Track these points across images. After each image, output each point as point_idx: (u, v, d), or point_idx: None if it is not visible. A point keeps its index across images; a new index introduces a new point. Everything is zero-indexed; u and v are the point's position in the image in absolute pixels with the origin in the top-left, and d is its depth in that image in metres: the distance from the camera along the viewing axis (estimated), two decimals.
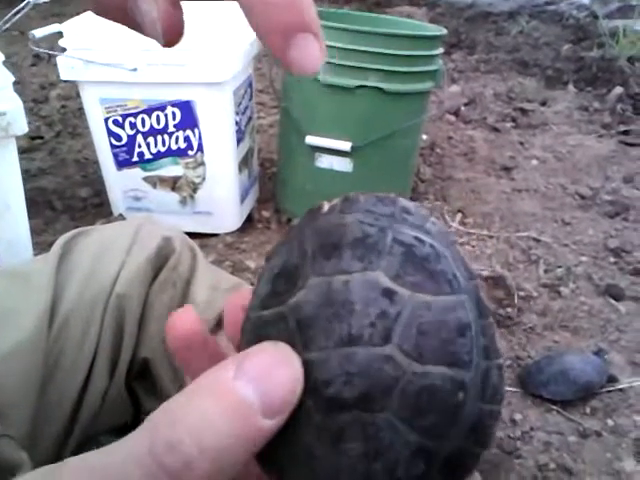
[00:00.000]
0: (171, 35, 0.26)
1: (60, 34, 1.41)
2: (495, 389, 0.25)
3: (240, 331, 0.27)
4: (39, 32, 1.34)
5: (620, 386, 1.19)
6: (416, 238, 0.25)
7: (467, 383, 0.23)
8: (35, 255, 1.34)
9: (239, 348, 0.27)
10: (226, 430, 0.20)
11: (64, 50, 1.41)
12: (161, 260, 0.69)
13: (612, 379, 1.19)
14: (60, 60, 1.41)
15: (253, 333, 0.26)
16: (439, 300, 0.24)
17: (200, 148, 1.50)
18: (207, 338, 0.29)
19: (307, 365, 0.23)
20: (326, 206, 0.28)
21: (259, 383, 0.21)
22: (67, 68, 1.42)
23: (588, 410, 1.15)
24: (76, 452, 0.58)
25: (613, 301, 1.41)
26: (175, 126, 1.47)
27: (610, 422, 1.12)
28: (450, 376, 0.23)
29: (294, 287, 0.25)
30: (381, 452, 0.23)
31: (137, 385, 0.69)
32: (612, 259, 1.57)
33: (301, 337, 0.24)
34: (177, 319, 0.28)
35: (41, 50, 1.40)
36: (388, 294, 0.24)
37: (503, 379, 0.25)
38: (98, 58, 1.38)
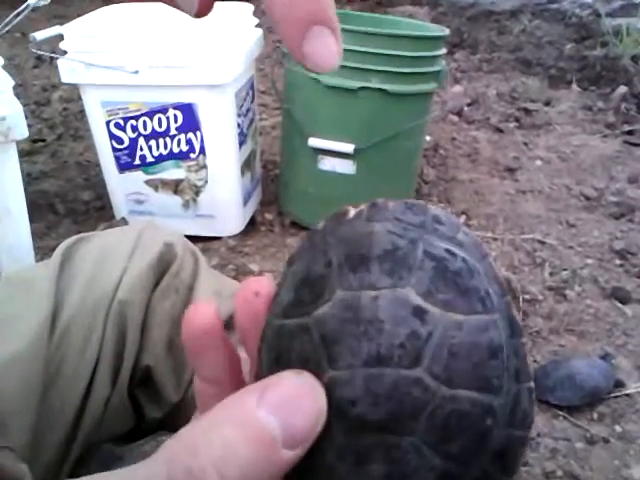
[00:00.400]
0: (204, 5, 0.26)
1: (61, 36, 1.40)
2: (525, 414, 0.24)
3: (260, 337, 0.27)
4: (40, 35, 1.33)
5: (627, 391, 1.18)
6: (448, 251, 0.25)
7: (496, 408, 0.23)
8: (37, 259, 1.33)
9: (259, 352, 0.26)
10: (248, 460, 0.20)
11: (65, 53, 1.41)
12: (163, 266, 0.69)
13: (619, 384, 1.18)
14: (61, 63, 1.41)
15: (275, 342, 0.25)
16: (471, 320, 0.23)
17: (202, 151, 1.49)
18: (225, 335, 0.28)
19: (331, 382, 0.23)
20: (352, 212, 0.27)
21: (282, 414, 0.21)
22: (68, 71, 1.41)
23: (595, 416, 1.14)
24: (78, 461, 0.57)
25: (619, 304, 1.40)
26: (177, 129, 1.46)
27: (618, 428, 1.11)
28: (480, 401, 0.23)
29: (318, 298, 0.24)
30: (405, 476, 0.23)
31: (139, 392, 0.68)
32: (618, 261, 1.55)
33: (326, 353, 0.23)
34: (193, 314, 0.27)
35: (42, 53, 1.40)
36: (419, 313, 0.23)
37: (533, 403, 0.24)
38: (99, 61, 1.38)
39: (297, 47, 0.23)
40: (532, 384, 0.25)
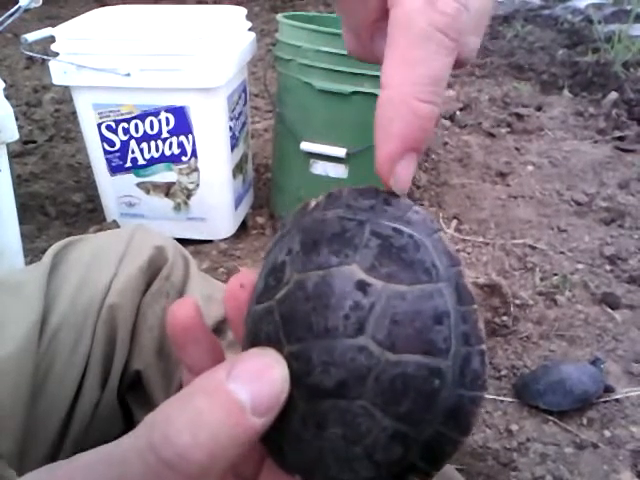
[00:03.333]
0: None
1: (53, 38, 1.39)
2: (476, 375, 0.25)
3: (243, 324, 0.29)
4: (31, 36, 1.32)
5: (616, 396, 1.18)
6: (394, 229, 0.26)
7: (443, 370, 0.24)
8: (27, 262, 1.33)
9: (243, 338, 0.29)
10: (220, 427, 0.22)
11: (57, 54, 1.40)
12: (153, 270, 0.68)
13: (608, 389, 1.18)
14: (52, 64, 1.40)
15: (250, 326, 0.28)
16: (415, 289, 0.25)
17: (194, 154, 1.49)
18: (206, 328, 0.30)
19: (289, 356, 0.25)
20: (312, 203, 0.29)
21: (250, 384, 0.23)
22: (59, 73, 1.40)
23: (585, 421, 1.15)
24: None
25: (609, 309, 1.41)
26: (169, 132, 1.46)
27: (607, 433, 1.12)
28: (425, 364, 0.24)
29: (280, 283, 0.27)
30: (360, 437, 0.24)
31: (129, 397, 0.68)
32: (608, 267, 1.56)
33: (284, 330, 0.26)
34: (177, 308, 0.29)
35: (33, 54, 1.39)
36: (362, 286, 0.24)
37: (485, 365, 0.25)
38: (91, 63, 1.37)
39: (391, 163, 0.26)
40: (484, 347, 0.25)
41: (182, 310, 0.29)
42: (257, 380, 0.23)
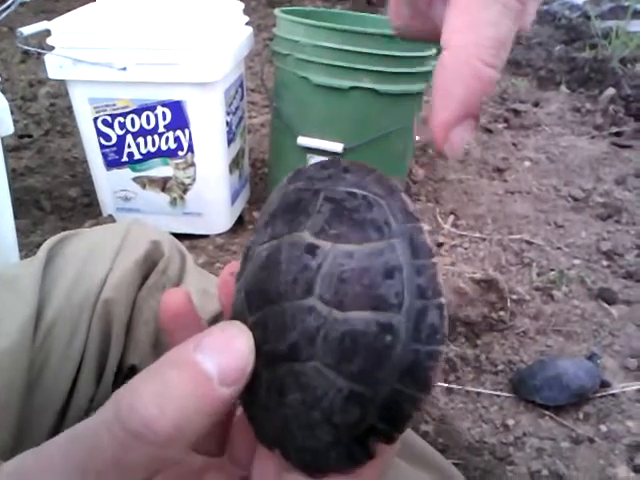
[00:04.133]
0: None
1: (49, 32, 1.39)
2: (433, 329, 0.24)
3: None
4: (26, 30, 1.32)
5: (613, 391, 1.19)
6: (349, 193, 0.26)
7: (395, 325, 0.23)
8: (22, 256, 1.32)
9: None
10: (186, 397, 0.22)
11: (52, 48, 1.39)
12: (149, 264, 0.68)
13: (605, 384, 1.19)
14: (48, 58, 1.39)
15: (232, 306, 0.29)
16: (364, 247, 0.24)
17: (190, 149, 1.48)
18: (196, 315, 0.30)
19: (251, 327, 0.25)
20: (283, 181, 0.29)
21: (216, 355, 0.23)
22: (55, 67, 1.40)
23: (581, 416, 1.15)
24: None
25: (606, 305, 1.41)
26: (165, 126, 1.45)
27: (603, 428, 1.12)
28: (374, 320, 0.23)
29: (246, 261, 0.28)
30: (317, 400, 0.24)
31: None
32: (605, 262, 1.56)
33: (247, 302, 0.26)
34: (169, 297, 0.30)
35: (29, 48, 1.38)
36: (310, 250, 0.25)
37: (444, 318, 0.24)
38: (86, 57, 1.36)
39: (448, 129, 0.25)
40: (442, 300, 0.24)
41: (173, 298, 0.30)
42: (223, 351, 0.23)
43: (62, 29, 1.37)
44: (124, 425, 0.21)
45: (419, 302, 0.24)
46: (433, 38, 0.29)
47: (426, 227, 1.66)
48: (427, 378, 0.24)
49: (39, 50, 1.45)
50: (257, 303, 0.26)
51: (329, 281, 0.24)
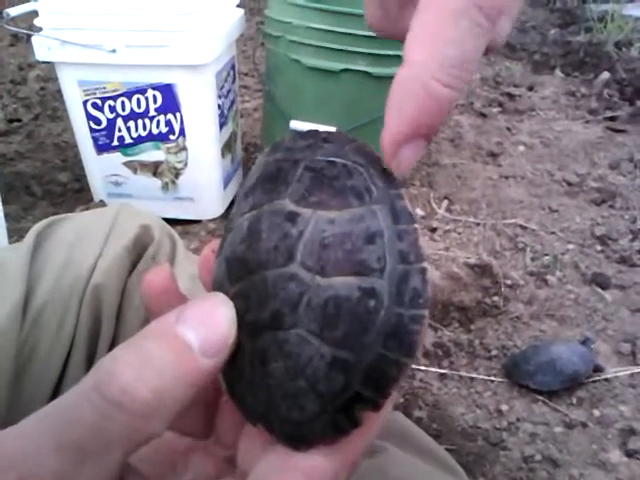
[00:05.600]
0: None
1: (37, 13, 1.36)
2: (416, 293, 0.24)
3: None
4: (13, 11, 1.29)
5: (606, 376, 1.19)
6: (328, 162, 0.26)
7: (378, 290, 0.23)
8: (12, 242, 1.31)
9: None
10: (165, 365, 0.22)
11: (40, 30, 1.37)
12: (139, 249, 0.67)
13: (598, 369, 1.19)
14: (36, 40, 1.37)
15: (213, 280, 0.28)
16: (344, 213, 0.24)
17: (182, 133, 1.46)
18: (180, 294, 0.30)
19: (233, 297, 0.25)
20: (263, 154, 0.29)
21: (198, 327, 0.23)
22: (43, 48, 1.37)
23: (574, 400, 1.15)
24: None
25: (599, 290, 1.41)
26: (156, 110, 1.44)
27: (596, 412, 1.12)
28: (357, 285, 0.23)
29: (229, 232, 0.28)
30: (301, 368, 0.24)
31: None
32: (599, 247, 1.56)
33: (228, 274, 0.26)
34: (152, 276, 0.29)
35: (16, 29, 1.36)
36: (291, 217, 0.24)
37: (426, 282, 0.24)
38: (75, 38, 1.34)
39: (397, 146, 0.24)
40: (425, 264, 0.24)
41: (156, 277, 0.29)
42: (204, 322, 0.23)
43: (49, 9, 1.35)
44: (103, 393, 0.21)
45: (401, 267, 0.24)
46: (404, 40, 0.28)
47: (420, 212, 1.65)
48: (412, 342, 0.23)
49: (27, 32, 1.43)
50: (238, 273, 0.25)
51: (311, 248, 0.24)
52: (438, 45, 0.22)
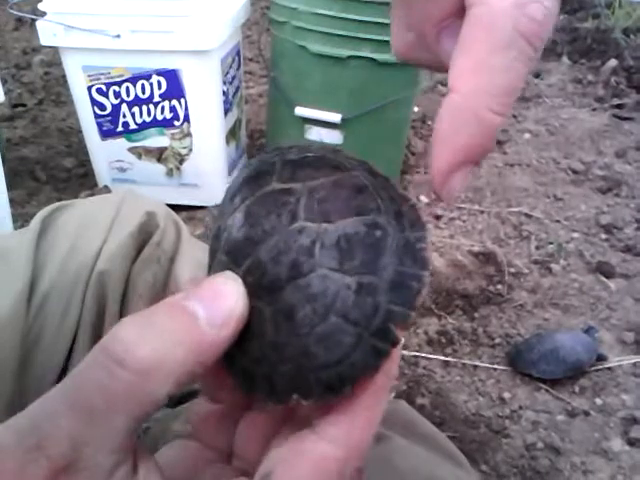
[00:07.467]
0: None
1: None
2: (414, 220, 0.27)
3: None
4: None
5: (609, 365, 1.19)
6: (303, 156, 0.29)
7: (381, 222, 0.26)
8: (17, 227, 1.31)
9: None
10: (168, 330, 0.23)
11: (44, 14, 1.36)
12: (144, 236, 0.67)
13: (601, 358, 1.19)
14: (40, 25, 1.36)
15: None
16: (330, 179, 0.27)
17: (186, 118, 1.46)
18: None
19: (246, 275, 0.26)
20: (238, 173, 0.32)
21: (204, 300, 0.24)
22: (48, 33, 1.37)
23: (577, 389, 1.15)
24: None
25: (604, 278, 1.41)
26: (161, 96, 1.43)
27: (598, 401, 1.12)
28: (361, 221, 0.25)
29: (218, 240, 0.29)
30: (329, 304, 0.25)
31: None
32: (603, 235, 1.55)
33: (233, 261, 0.27)
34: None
35: (20, 14, 1.35)
36: (285, 192, 0.27)
37: (419, 213, 0.27)
38: (79, 23, 1.33)
39: (448, 175, 0.25)
40: (412, 201, 0.27)
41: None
42: (211, 296, 0.24)
43: None
44: (107, 352, 0.22)
45: (393, 206, 0.27)
46: (436, 67, 0.28)
47: (424, 199, 1.65)
48: (423, 257, 0.26)
49: (32, 16, 1.42)
50: (244, 252, 0.26)
51: (310, 206, 0.26)
52: (488, 75, 0.23)
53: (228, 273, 0.26)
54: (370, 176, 0.28)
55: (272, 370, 0.26)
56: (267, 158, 0.30)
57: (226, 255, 0.27)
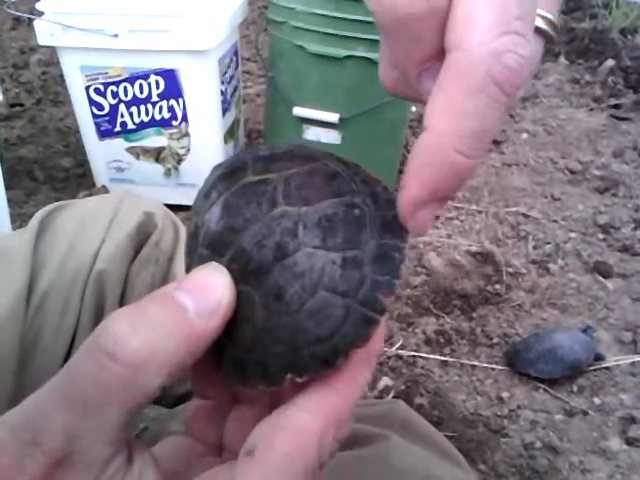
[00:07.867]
0: None
1: None
2: (389, 200, 0.28)
3: None
4: None
5: (607, 364, 1.19)
6: (274, 152, 0.30)
7: (357, 202, 0.27)
8: (15, 227, 1.31)
9: None
10: (159, 322, 0.23)
11: (42, 14, 1.36)
12: (142, 236, 0.67)
13: (599, 357, 1.19)
14: (37, 24, 1.36)
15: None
16: (304, 168, 0.28)
17: (184, 118, 1.46)
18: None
19: (230, 264, 0.26)
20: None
21: (193, 291, 0.24)
22: (45, 33, 1.36)
23: (575, 388, 1.15)
24: None
25: (601, 278, 1.41)
26: (159, 95, 1.43)
27: (597, 400, 1.12)
28: (340, 202, 0.27)
29: (196, 238, 0.30)
30: (317, 279, 0.25)
31: None
32: (601, 235, 1.56)
33: (216, 252, 0.27)
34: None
35: (17, 13, 1.35)
36: (261, 182, 0.28)
37: (393, 195, 0.28)
38: (77, 23, 1.33)
39: (414, 208, 0.26)
40: (384, 184, 0.29)
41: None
42: (199, 287, 0.25)
43: None
44: (99, 345, 0.22)
45: (367, 188, 0.28)
46: (420, 102, 0.29)
47: None
48: (401, 230, 0.27)
49: (29, 16, 1.42)
50: (225, 243, 0.27)
51: (288, 193, 0.27)
52: (459, 117, 0.23)
53: (213, 264, 0.26)
54: (341, 164, 0.29)
55: (264, 353, 0.26)
56: (238, 157, 0.30)
57: (207, 248, 0.28)
